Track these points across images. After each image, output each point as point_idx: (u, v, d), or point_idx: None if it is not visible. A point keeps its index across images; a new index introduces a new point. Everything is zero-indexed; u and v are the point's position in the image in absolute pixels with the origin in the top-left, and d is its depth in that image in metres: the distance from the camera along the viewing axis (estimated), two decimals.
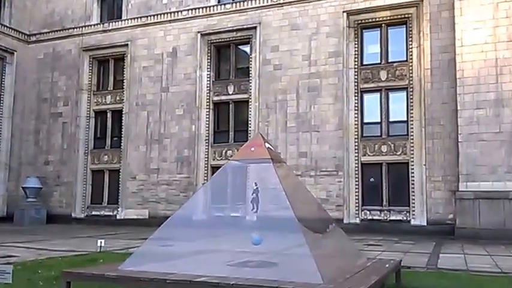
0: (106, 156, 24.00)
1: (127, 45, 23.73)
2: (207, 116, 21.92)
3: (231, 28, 21.75)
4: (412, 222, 18.02)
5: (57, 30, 25.59)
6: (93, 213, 23.58)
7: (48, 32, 25.80)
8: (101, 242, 10.14)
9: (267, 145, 5.29)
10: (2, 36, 24.83)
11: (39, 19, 26.20)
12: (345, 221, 18.14)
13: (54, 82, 25.36)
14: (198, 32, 22.26)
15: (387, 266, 6.18)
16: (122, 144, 23.38)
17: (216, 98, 22.05)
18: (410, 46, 19.00)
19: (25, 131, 25.53)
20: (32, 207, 23.04)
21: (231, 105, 21.78)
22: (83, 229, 19.11)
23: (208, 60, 22.27)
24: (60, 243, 13.21)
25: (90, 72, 24.80)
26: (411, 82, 18.81)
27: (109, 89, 24.65)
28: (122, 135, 23.39)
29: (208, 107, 21.97)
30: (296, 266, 5.14)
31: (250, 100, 21.09)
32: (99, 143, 24.45)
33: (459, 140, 16.88)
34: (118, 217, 22.73)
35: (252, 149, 5.19)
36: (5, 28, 25.18)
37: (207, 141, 21.77)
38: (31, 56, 25.86)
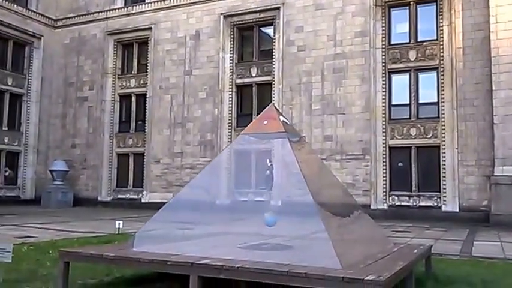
0: (131, 140, 24.02)
1: (150, 28, 23.56)
2: (230, 99, 21.59)
3: (254, 9, 21.25)
4: (444, 208, 17.31)
5: (82, 15, 25.67)
6: (119, 196, 23.71)
7: (74, 17, 25.89)
8: (119, 224, 9.99)
9: (282, 118, 4.83)
10: (29, 21, 25.02)
11: (65, 4, 26.29)
12: (372, 207, 17.59)
13: (80, 66, 25.48)
14: (221, 14, 21.86)
15: (416, 251, 5.74)
16: (146, 127, 23.33)
17: (239, 81, 21.67)
18: (441, 24, 18.13)
19: (52, 115, 25.80)
20: (58, 190, 23.31)
21: (254, 88, 21.36)
22: (107, 212, 19.19)
23: (231, 43, 21.87)
24: (80, 224, 13.20)
25: (115, 56, 24.78)
26: (442, 62, 17.95)
27: (133, 72, 24.58)
28: (146, 119, 23.33)
29: (231, 90, 21.63)
30: (313, 250, 4.75)
31: (273, 82, 20.63)
32: (123, 127, 24.48)
33: (494, 122, 16.06)
34: (143, 200, 22.76)
35: (265, 122, 4.72)
36: (32, 13, 25.35)
37: (230, 124, 21.46)
38: (57, 40, 26.02)
